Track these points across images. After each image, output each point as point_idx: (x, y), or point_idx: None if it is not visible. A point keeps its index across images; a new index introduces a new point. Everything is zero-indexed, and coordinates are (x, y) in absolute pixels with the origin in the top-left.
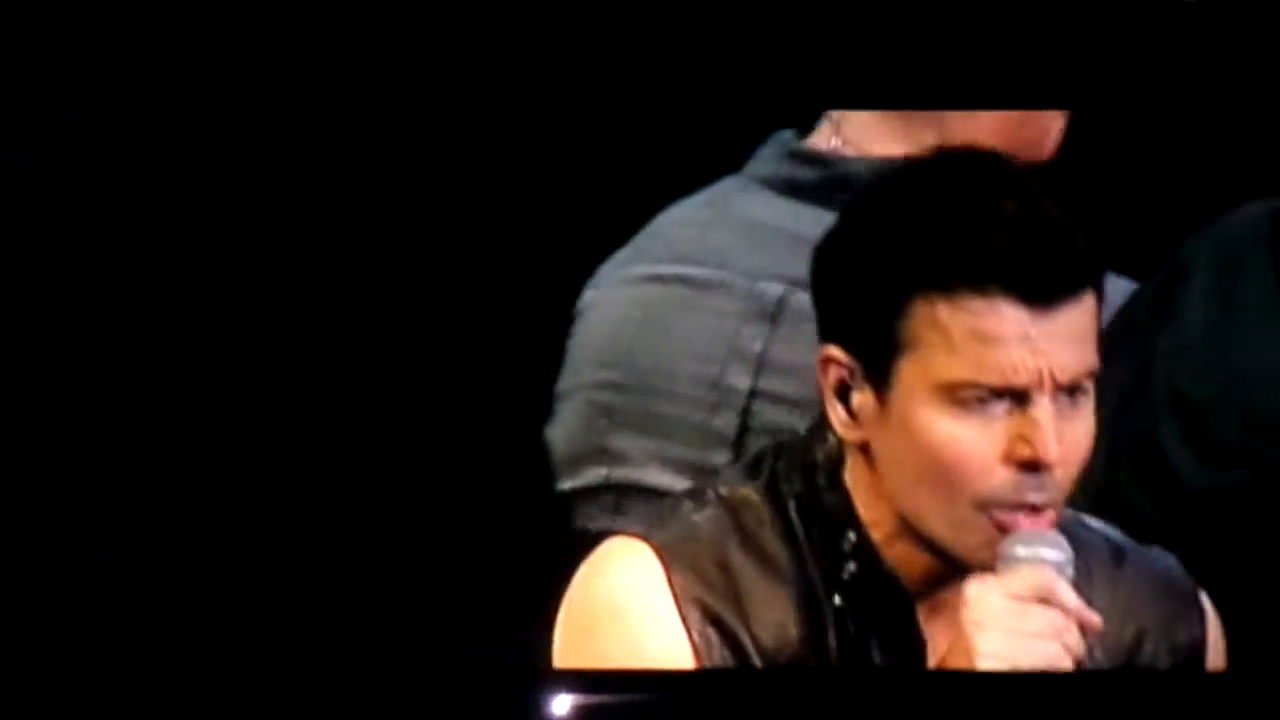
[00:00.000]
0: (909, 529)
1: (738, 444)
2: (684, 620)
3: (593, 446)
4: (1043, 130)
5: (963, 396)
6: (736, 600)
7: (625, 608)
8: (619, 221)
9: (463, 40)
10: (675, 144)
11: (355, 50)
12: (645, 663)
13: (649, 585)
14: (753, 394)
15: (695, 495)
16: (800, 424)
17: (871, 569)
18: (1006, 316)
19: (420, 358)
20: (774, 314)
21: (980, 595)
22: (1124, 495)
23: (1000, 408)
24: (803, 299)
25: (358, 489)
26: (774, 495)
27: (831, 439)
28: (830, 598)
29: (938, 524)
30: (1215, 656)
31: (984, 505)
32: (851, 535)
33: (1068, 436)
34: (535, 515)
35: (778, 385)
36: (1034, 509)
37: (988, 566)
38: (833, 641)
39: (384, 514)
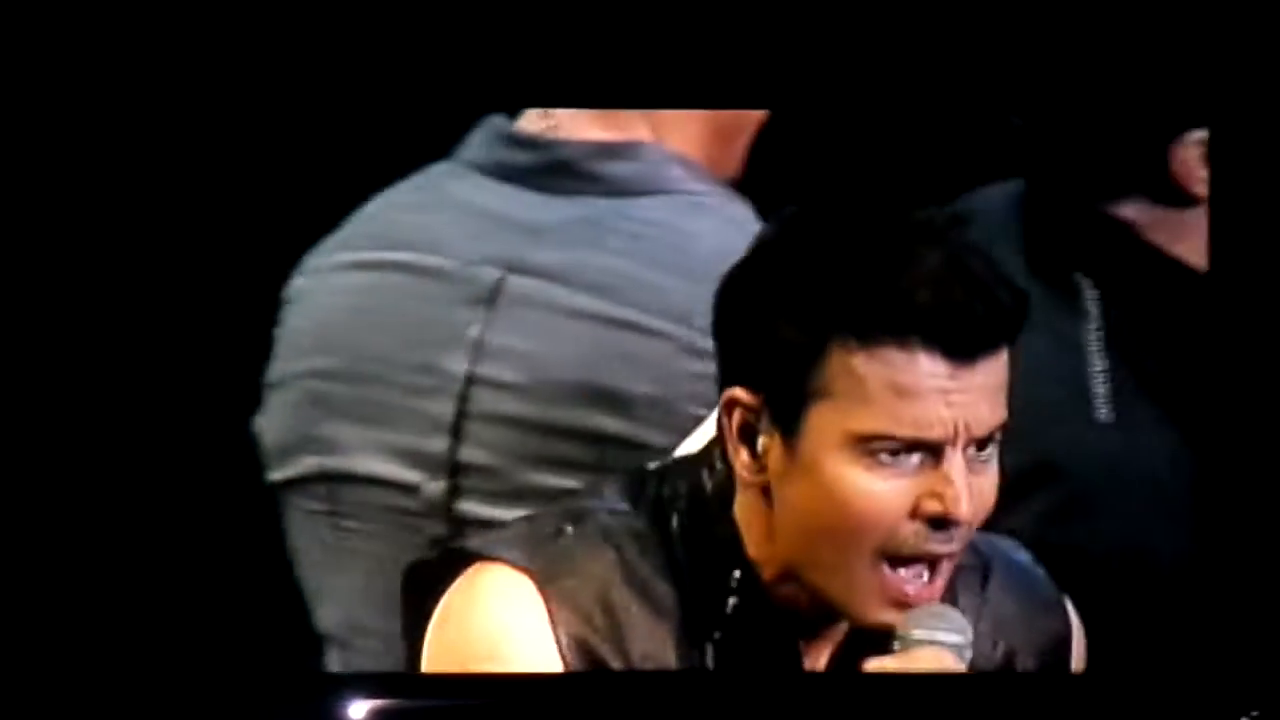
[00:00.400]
0: (795, 576)
1: (455, 430)
2: (564, 661)
3: (305, 435)
4: (739, 147)
5: (875, 448)
6: (618, 639)
7: (504, 645)
8: (323, 209)
9: (144, 31)
10: (380, 130)
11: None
12: None
13: (530, 624)
14: (470, 380)
15: (575, 518)
16: (520, 409)
17: (756, 606)
18: (925, 370)
19: (117, 356)
20: (490, 298)
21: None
22: None
23: (911, 461)
24: (519, 283)
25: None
26: (659, 525)
27: (720, 470)
28: (712, 634)
29: (829, 576)
30: (1078, 662)
31: (884, 556)
32: (737, 572)
33: (976, 490)
34: (245, 510)
35: (495, 371)
36: (928, 564)
37: (869, 622)
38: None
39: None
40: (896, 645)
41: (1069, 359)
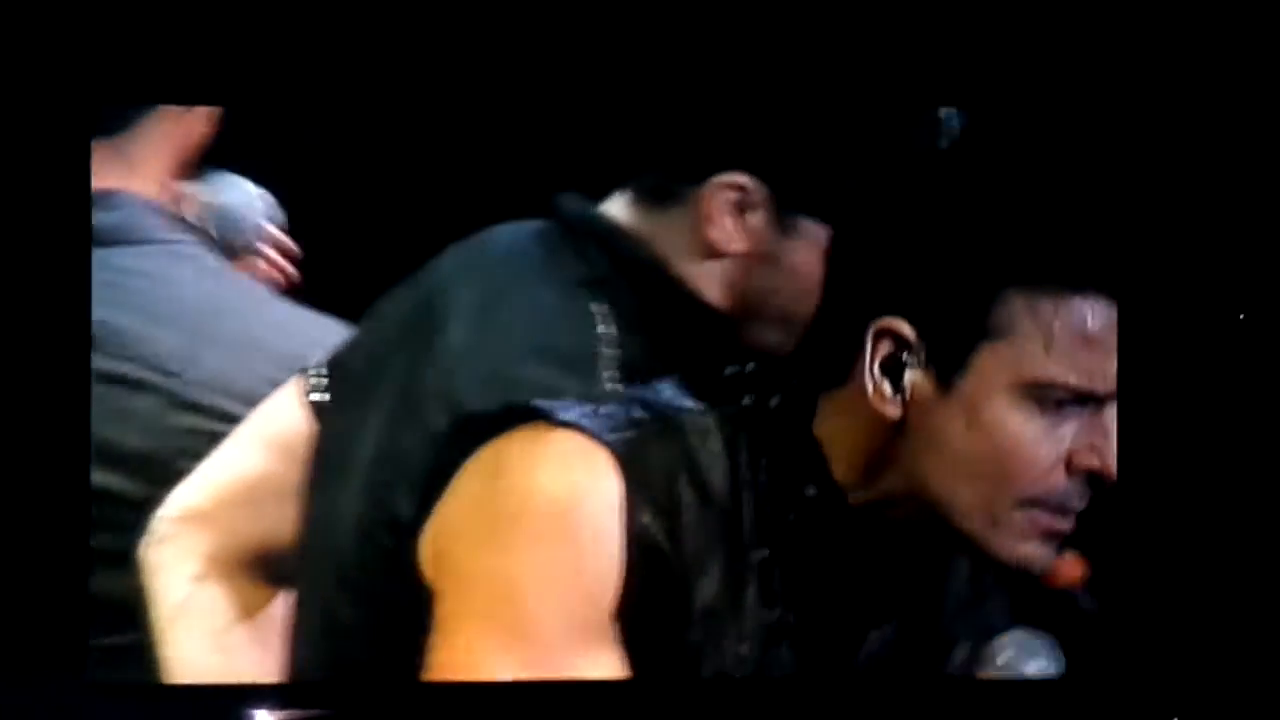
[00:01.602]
0: (926, 509)
1: None
2: (626, 544)
3: None
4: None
5: (1045, 395)
6: (675, 534)
7: (577, 509)
8: None
9: None
10: None
11: None
12: (569, 571)
13: (605, 497)
14: None
15: (647, 406)
16: None
17: (821, 526)
18: (1103, 321)
19: None
20: None
21: None
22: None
23: (1073, 412)
24: None
25: None
26: (729, 429)
27: (798, 386)
28: (765, 546)
29: (973, 514)
30: None
31: (1029, 505)
32: (811, 489)
33: None
34: None
35: None
36: (1065, 511)
37: (1011, 559)
38: (753, 600)
39: None
40: (984, 659)
41: (585, 389)
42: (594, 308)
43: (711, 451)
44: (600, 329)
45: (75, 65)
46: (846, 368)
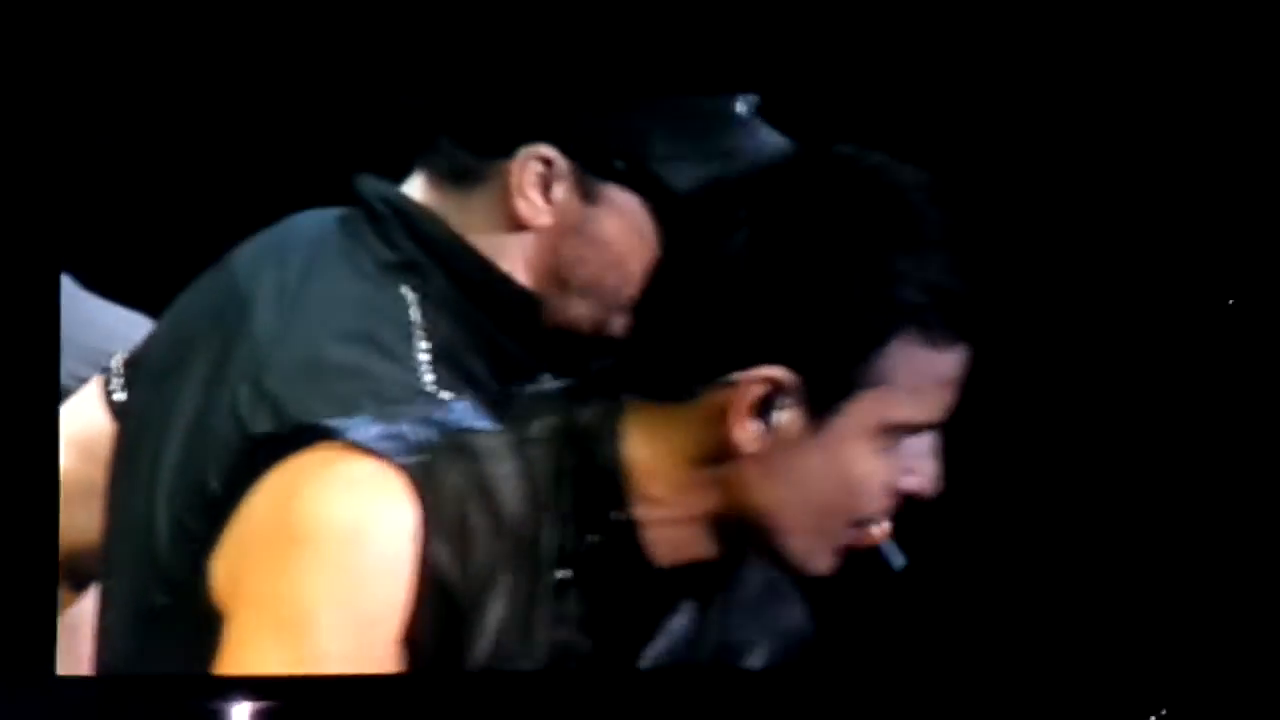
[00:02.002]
0: (739, 529)
1: None
2: (415, 573)
3: None
4: None
5: (896, 433)
6: (464, 556)
7: (365, 536)
8: None
9: None
10: None
11: None
12: (355, 599)
13: (397, 524)
14: None
15: (440, 428)
16: None
17: (622, 549)
18: (957, 360)
19: None
20: None
21: None
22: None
23: (906, 438)
24: None
25: None
26: (528, 453)
27: (603, 408)
28: (558, 569)
29: (803, 540)
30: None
31: (856, 525)
32: (616, 513)
33: None
34: None
35: None
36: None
37: (815, 570)
38: (545, 621)
39: None
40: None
41: (399, 372)
42: (404, 291)
43: (505, 475)
44: (412, 313)
45: None
46: (689, 391)
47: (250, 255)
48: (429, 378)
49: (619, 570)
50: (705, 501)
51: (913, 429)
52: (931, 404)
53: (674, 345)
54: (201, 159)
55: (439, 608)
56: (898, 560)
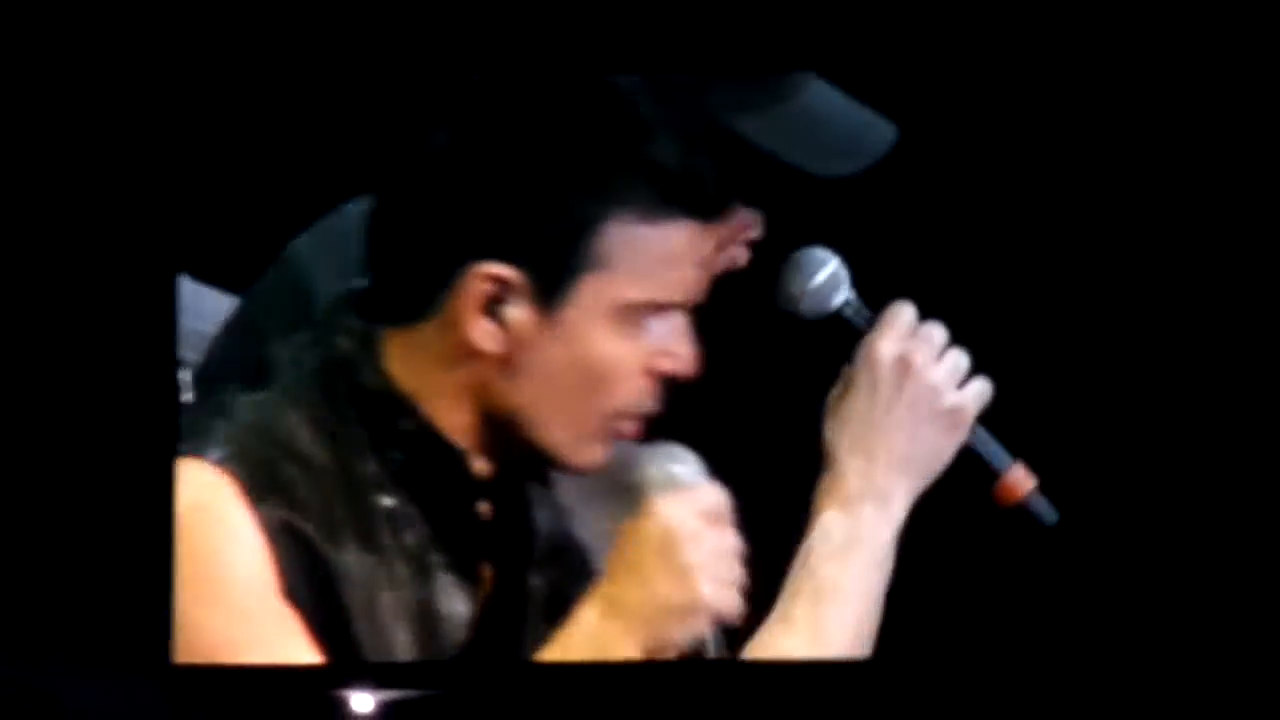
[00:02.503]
0: (505, 433)
1: None
2: (262, 530)
3: None
4: None
5: (638, 315)
6: (298, 508)
7: (202, 526)
8: None
9: None
10: None
11: None
12: (224, 575)
13: (222, 503)
14: None
15: (215, 409)
16: None
17: (428, 455)
18: (688, 237)
19: None
20: None
21: (674, 521)
22: None
23: (654, 322)
24: None
25: None
26: (305, 397)
27: (352, 334)
28: (381, 490)
29: (560, 433)
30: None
31: (614, 417)
32: (407, 423)
33: None
34: None
35: None
36: (644, 418)
37: (583, 464)
38: (385, 535)
39: None
40: (651, 486)
41: None
42: None
43: (293, 423)
44: None
45: None
46: (424, 306)
47: (308, 246)
48: None
49: (440, 487)
50: (469, 409)
51: (654, 309)
52: (665, 283)
53: (400, 258)
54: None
55: (297, 560)
56: (1049, 516)
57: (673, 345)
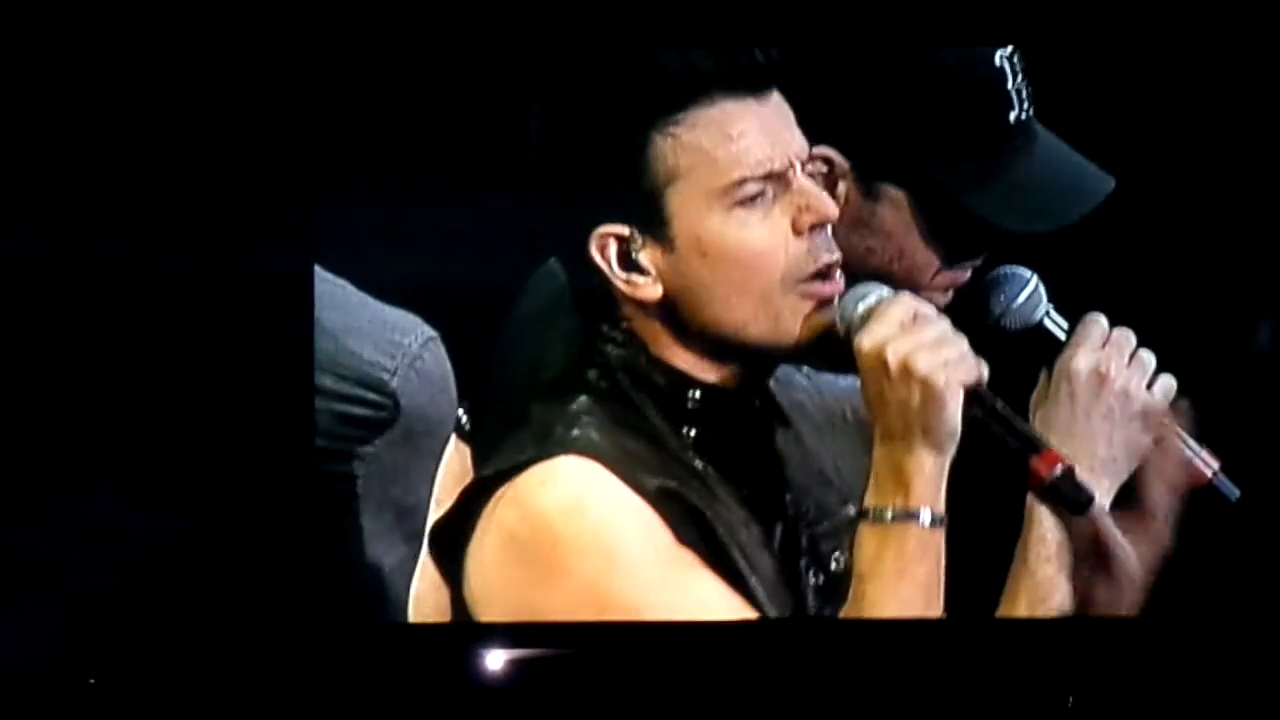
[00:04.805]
0: (725, 348)
1: None
2: (648, 502)
3: None
4: None
5: (737, 197)
6: (656, 474)
7: (589, 511)
8: None
9: None
10: None
11: None
12: (632, 542)
13: (611, 486)
14: None
15: (561, 418)
16: None
17: (702, 396)
18: (735, 111)
19: None
20: None
21: (884, 340)
22: None
23: (769, 195)
24: None
25: None
26: (603, 388)
27: (603, 314)
28: (690, 439)
29: (757, 326)
30: None
31: (790, 285)
32: (696, 392)
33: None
34: None
35: None
36: (827, 271)
37: (801, 350)
38: (714, 487)
39: None
40: (860, 326)
41: None
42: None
43: (613, 414)
44: None
45: None
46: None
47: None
48: None
49: (718, 414)
50: (695, 351)
51: (746, 184)
52: (737, 158)
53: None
54: None
55: (681, 515)
56: (1232, 492)
57: (799, 200)
